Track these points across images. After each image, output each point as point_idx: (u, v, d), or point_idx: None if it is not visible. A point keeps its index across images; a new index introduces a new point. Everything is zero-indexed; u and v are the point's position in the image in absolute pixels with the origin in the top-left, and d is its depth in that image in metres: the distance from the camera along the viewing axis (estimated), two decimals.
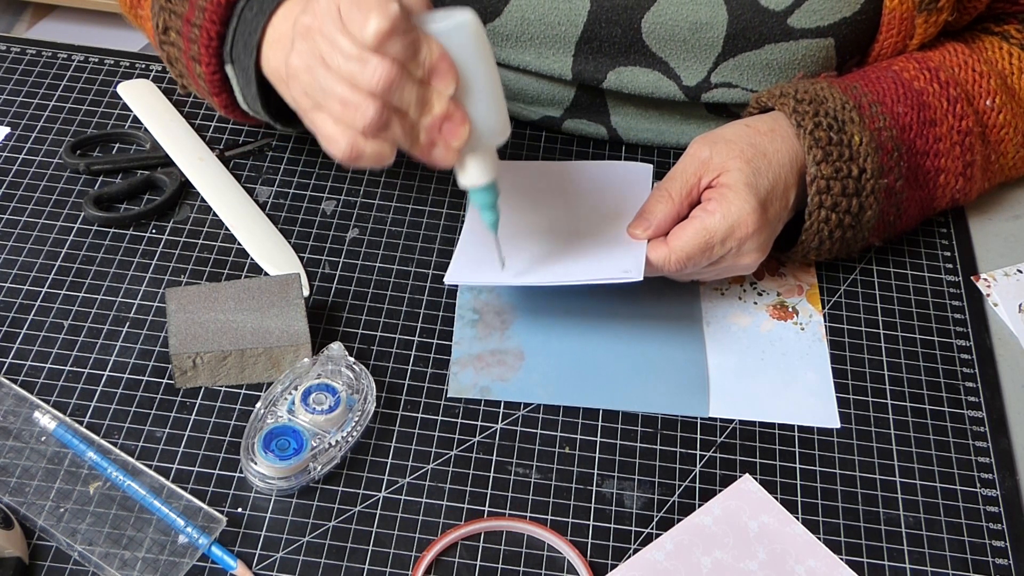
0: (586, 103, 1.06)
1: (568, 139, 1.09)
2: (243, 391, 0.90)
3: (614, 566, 0.83)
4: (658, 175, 1.06)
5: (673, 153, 1.09)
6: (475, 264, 0.93)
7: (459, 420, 0.89)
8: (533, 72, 1.03)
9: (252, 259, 0.98)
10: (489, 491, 0.86)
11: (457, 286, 0.97)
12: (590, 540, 0.84)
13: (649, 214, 0.92)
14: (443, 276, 0.97)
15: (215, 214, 1.01)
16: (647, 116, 1.06)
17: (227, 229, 1.00)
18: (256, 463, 0.83)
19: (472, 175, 0.83)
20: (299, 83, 0.79)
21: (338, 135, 0.76)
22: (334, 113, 0.76)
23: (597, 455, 0.88)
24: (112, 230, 0.99)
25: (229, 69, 0.90)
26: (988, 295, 1.01)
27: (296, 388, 0.87)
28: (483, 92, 0.78)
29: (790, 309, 0.99)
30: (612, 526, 0.85)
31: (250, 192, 1.03)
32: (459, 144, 0.78)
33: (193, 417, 0.88)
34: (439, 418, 0.89)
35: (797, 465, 0.89)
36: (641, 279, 0.88)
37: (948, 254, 1.04)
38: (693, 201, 0.92)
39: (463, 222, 1.01)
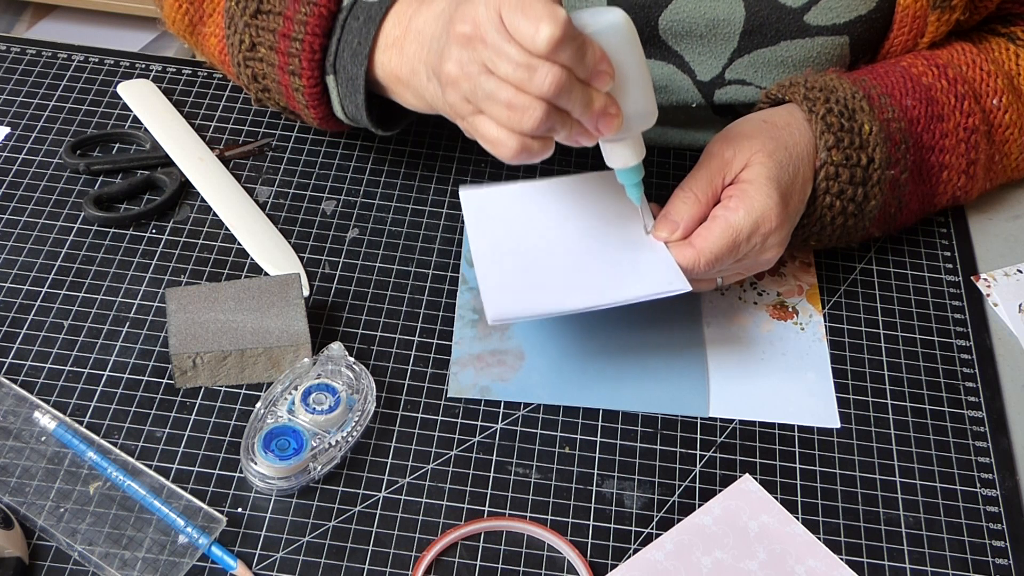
0: None
1: None
2: (243, 391, 0.90)
3: (614, 566, 0.83)
4: (658, 175, 1.06)
5: (674, 152, 1.08)
6: (511, 296, 0.89)
7: (459, 420, 0.89)
8: None
9: (252, 259, 0.98)
10: (489, 491, 0.86)
11: (457, 288, 0.97)
12: (590, 540, 0.84)
13: (675, 215, 0.90)
14: (443, 276, 0.97)
15: (215, 214, 1.01)
16: None
17: (227, 229, 1.00)
18: (256, 463, 0.83)
19: (622, 158, 0.86)
20: (458, 90, 0.80)
21: (504, 137, 0.78)
22: (498, 117, 0.78)
23: (597, 455, 0.88)
24: (112, 230, 0.99)
25: (330, 80, 0.92)
26: (988, 295, 1.01)
27: (296, 388, 0.87)
28: (635, 85, 0.82)
29: (790, 309, 0.99)
30: (612, 526, 0.85)
31: (250, 192, 1.03)
32: (610, 134, 0.81)
33: (193, 417, 0.88)
34: (439, 418, 0.89)
35: (797, 465, 0.89)
36: (690, 289, 0.87)
37: (948, 254, 1.04)
38: (717, 200, 0.91)
39: (463, 223, 1.00)
